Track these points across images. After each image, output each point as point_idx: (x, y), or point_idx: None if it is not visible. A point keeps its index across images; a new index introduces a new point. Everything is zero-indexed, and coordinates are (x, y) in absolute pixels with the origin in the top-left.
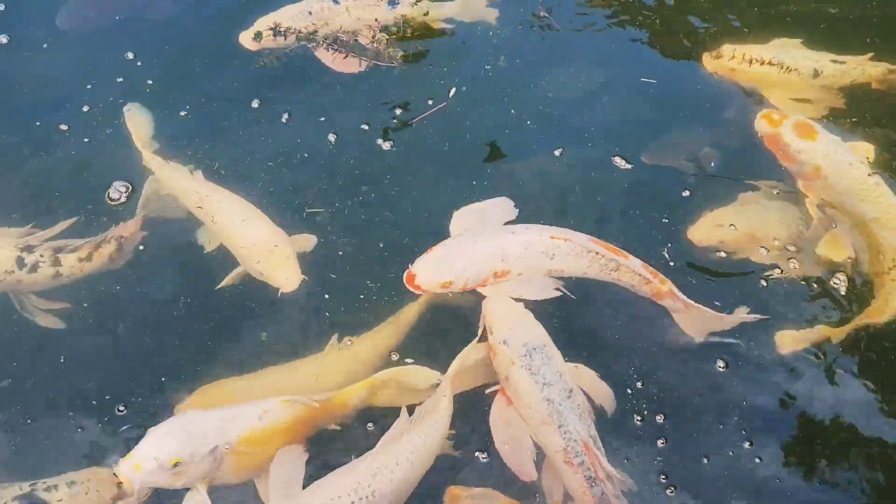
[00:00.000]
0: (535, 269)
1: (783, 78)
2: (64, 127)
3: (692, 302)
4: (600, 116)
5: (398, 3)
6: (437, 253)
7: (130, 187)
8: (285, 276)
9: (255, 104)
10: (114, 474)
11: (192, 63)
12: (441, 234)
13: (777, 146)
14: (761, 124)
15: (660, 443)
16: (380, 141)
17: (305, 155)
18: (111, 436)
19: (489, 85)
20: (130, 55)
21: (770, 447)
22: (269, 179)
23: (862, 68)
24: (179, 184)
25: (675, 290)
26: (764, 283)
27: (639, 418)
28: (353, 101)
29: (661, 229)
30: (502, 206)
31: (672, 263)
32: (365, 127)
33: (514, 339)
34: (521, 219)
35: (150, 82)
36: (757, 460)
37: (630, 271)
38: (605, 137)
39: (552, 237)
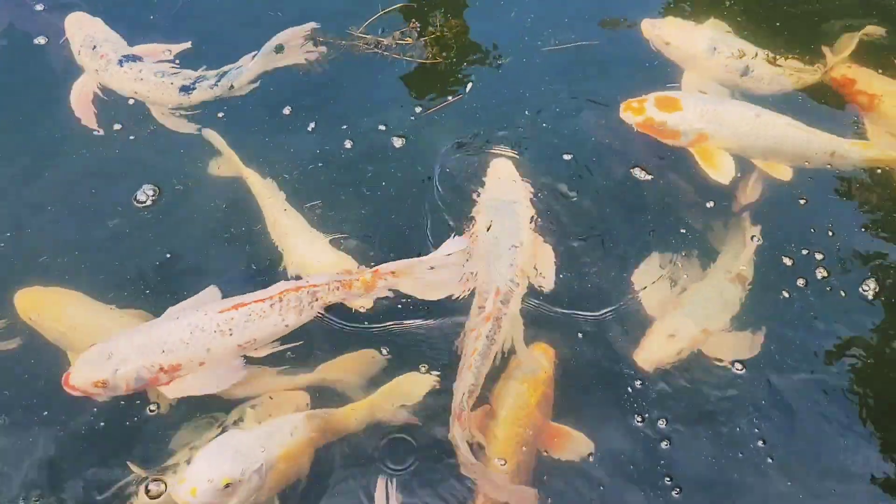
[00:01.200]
0: (219, 351)
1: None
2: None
3: (405, 263)
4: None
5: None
6: (96, 349)
7: (158, 191)
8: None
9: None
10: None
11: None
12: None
13: (652, 129)
14: (627, 116)
15: (664, 445)
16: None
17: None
18: None
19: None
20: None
21: (783, 449)
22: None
23: (798, 73)
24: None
25: (382, 271)
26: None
27: (639, 420)
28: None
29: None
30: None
31: (686, 276)
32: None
33: (491, 192)
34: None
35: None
36: (769, 460)
37: (329, 290)
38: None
39: (221, 311)
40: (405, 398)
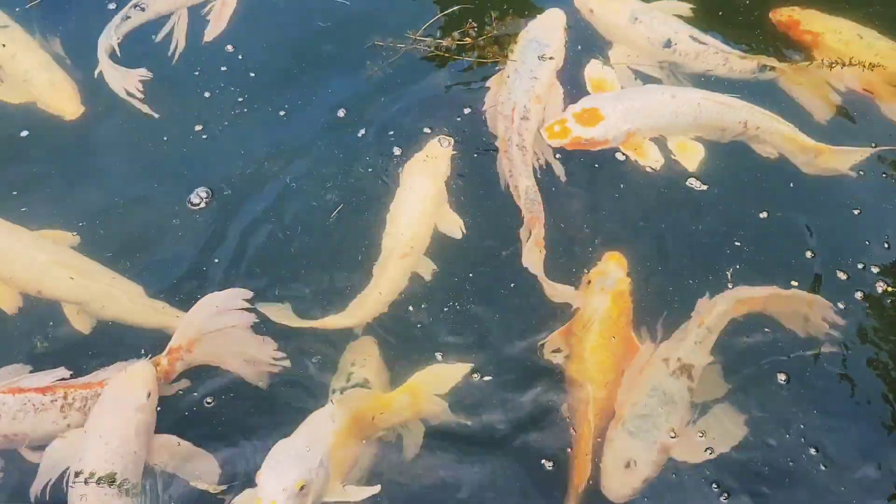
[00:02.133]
0: None
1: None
2: (200, 128)
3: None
4: None
5: None
6: None
7: (211, 193)
8: None
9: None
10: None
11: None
12: None
13: (582, 145)
14: (554, 142)
15: (708, 453)
16: None
17: None
18: None
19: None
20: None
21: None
22: None
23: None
24: None
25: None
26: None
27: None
28: None
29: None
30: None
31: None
32: None
33: (534, 31)
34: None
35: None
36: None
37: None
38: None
39: None
40: (440, 386)
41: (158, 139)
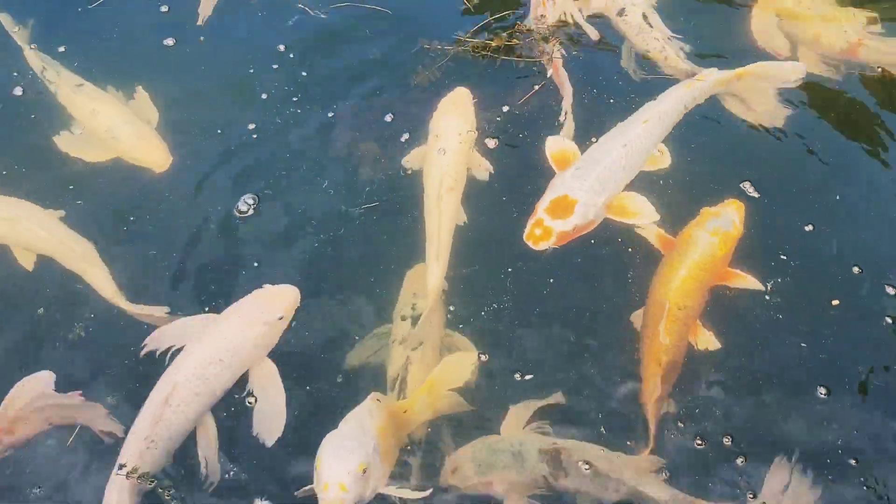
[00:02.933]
0: None
1: None
2: (252, 126)
3: None
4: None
5: None
6: None
7: (258, 199)
8: None
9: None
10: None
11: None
12: None
13: (570, 236)
14: (540, 246)
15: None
16: None
17: None
18: None
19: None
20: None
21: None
22: None
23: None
24: None
25: None
26: None
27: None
28: None
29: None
30: None
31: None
32: None
33: None
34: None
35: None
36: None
37: None
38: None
39: None
40: (457, 378)
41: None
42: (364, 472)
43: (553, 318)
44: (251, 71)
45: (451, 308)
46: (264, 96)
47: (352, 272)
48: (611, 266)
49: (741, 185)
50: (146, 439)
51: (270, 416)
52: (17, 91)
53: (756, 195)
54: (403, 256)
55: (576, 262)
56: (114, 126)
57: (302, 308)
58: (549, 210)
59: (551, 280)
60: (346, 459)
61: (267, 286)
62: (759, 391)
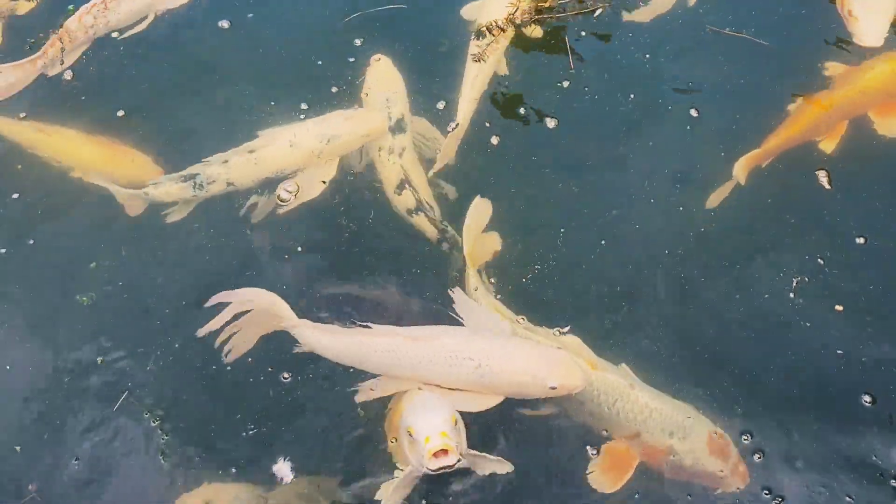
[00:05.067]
0: None
1: None
2: (304, 106)
3: None
4: None
5: None
6: None
7: (298, 188)
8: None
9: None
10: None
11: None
12: None
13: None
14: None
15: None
16: None
17: None
18: None
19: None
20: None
21: None
22: None
23: None
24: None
25: None
26: None
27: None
28: None
29: None
30: None
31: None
32: None
33: None
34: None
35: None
36: None
37: None
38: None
39: None
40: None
41: None
42: (456, 423)
43: None
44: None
45: None
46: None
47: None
48: None
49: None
50: None
51: None
52: None
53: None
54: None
55: None
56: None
57: None
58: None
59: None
60: (438, 413)
61: None
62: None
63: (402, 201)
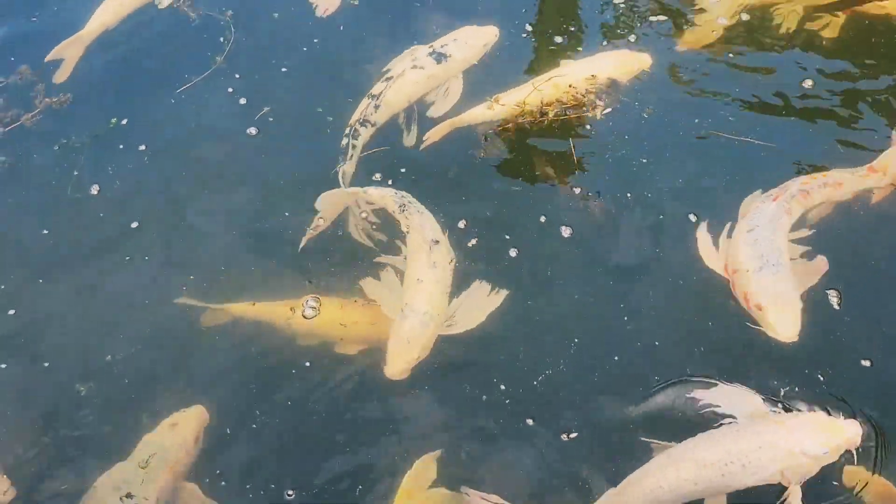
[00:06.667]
0: None
1: None
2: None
3: None
4: None
5: None
6: None
7: (320, 302)
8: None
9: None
10: None
11: None
12: None
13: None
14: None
15: None
16: None
17: None
18: None
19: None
20: None
21: None
22: None
23: None
24: None
25: None
26: None
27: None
28: None
29: None
30: None
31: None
32: None
33: None
34: None
35: None
36: None
37: None
38: None
39: None
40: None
41: None
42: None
43: None
44: None
45: None
46: None
47: None
48: None
49: None
50: None
51: None
52: None
53: None
54: None
55: None
56: None
57: None
58: None
59: None
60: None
61: None
62: None
63: None
